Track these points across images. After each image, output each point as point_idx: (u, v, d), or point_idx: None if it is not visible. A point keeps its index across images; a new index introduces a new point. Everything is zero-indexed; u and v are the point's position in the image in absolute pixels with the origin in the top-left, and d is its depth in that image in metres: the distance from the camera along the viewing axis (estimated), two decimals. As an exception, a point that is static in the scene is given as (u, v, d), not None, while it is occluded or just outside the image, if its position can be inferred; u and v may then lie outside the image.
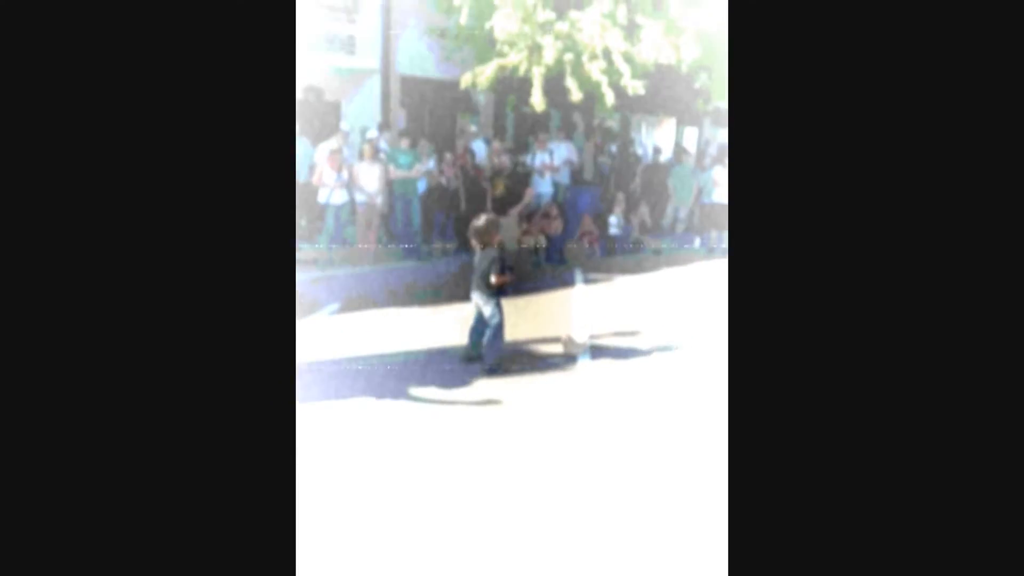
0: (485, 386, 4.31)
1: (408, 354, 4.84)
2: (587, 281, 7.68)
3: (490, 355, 4.55)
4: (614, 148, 11.68)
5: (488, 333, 4.56)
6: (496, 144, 9.56)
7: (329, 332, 5.31)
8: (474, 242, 4.53)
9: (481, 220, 4.58)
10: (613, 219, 9.50)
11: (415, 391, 4.16)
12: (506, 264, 4.51)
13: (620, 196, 9.65)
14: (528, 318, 5.90)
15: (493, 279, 4.44)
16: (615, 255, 9.30)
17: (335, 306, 6.09)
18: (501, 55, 9.35)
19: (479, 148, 9.99)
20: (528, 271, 7.94)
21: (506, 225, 7.73)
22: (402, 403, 3.97)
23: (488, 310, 4.55)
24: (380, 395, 4.06)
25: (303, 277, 7.11)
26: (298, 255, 7.94)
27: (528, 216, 8.37)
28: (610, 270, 8.31)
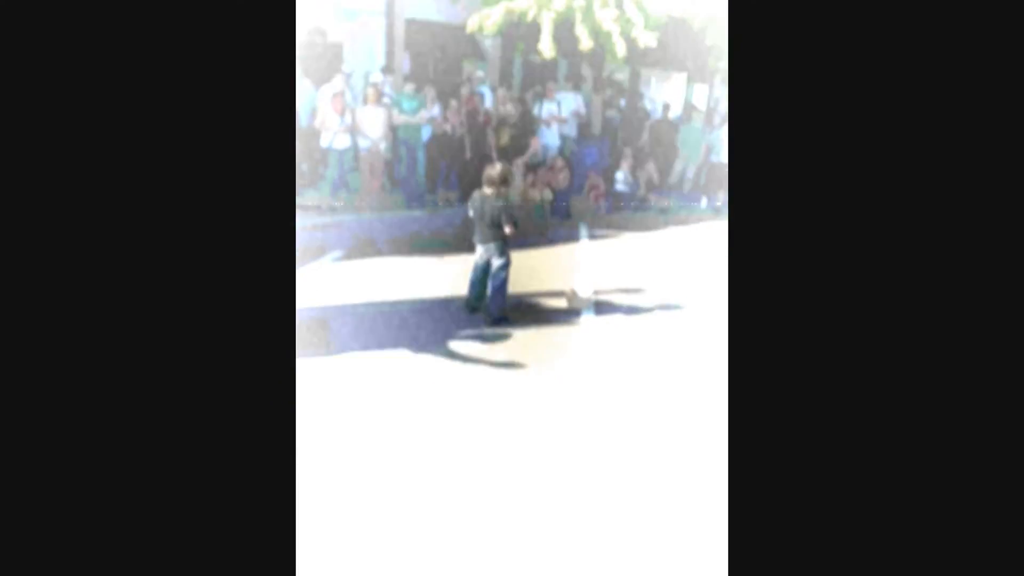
0: (489, 337, 4.27)
1: (411, 303, 4.80)
2: (592, 237, 7.59)
3: (495, 306, 4.50)
4: (623, 102, 11.43)
5: (493, 284, 4.50)
6: (502, 92, 9.33)
7: (331, 279, 5.25)
8: (488, 190, 4.42)
9: (497, 168, 4.46)
10: (620, 175, 9.35)
11: (418, 340, 4.13)
12: (514, 215, 4.42)
13: (627, 152, 9.47)
14: (532, 272, 5.84)
15: (508, 229, 4.36)
16: (621, 211, 9.19)
17: (338, 253, 6.01)
18: (510, -1, 9.05)
19: (484, 94, 9.76)
20: (533, 224, 7.85)
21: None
22: (404, 353, 3.94)
23: (497, 260, 4.47)
24: (381, 345, 4.03)
25: (305, 223, 7.00)
26: (300, 200, 7.82)
27: (534, 168, 8.23)
28: (616, 226, 8.22)
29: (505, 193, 4.43)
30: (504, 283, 4.49)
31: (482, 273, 4.60)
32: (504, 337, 4.30)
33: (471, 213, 4.53)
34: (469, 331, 4.36)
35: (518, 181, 7.74)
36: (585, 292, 5.09)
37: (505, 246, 4.48)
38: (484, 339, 4.25)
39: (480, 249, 4.54)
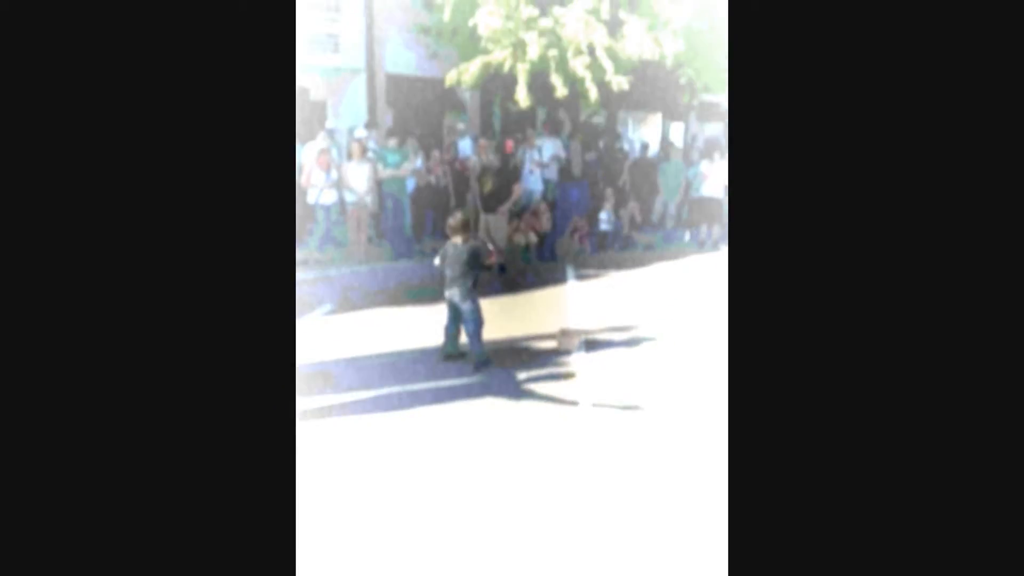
0: (477, 383, 4.32)
1: (403, 353, 4.84)
2: (579, 277, 7.71)
3: (475, 349, 4.57)
4: (602, 144, 11.71)
5: (468, 329, 4.58)
6: (483, 141, 9.56)
7: (324, 332, 5.30)
8: (456, 238, 4.55)
9: (457, 216, 4.65)
10: (603, 215, 9.54)
11: (411, 389, 4.17)
12: (488, 250, 4.57)
13: (609, 192, 9.68)
14: (521, 315, 5.92)
15: (492, 258, 4.49)
16: (606, 251, 9.34)
17: (329, 306, 6.07)
18: (485, 52, 9.36)
19: (465, 145, 9.98)
20: (519, 268, 7.96)
21: (495, 222, 7.78)
22: (398, 401, 3.97)
23: (467, 305, 4.55)
24: (376, 395, 4.06)
25: (295, 278, 7.07)
26: (288, 256, 7.91)
27: (518, 213, 8.39)
28: (602, 266, 8.35)
29: (468, 238, 4.58)
30: (479, 326, 4.57)
31: (453, 321, 4.65)
32: (493, 380, 4.35)
33: (437, 262, 4.62)
34: (458, 378, 4.41)
35: (502, 227, 7.88)
36: (575, 333, 5.16)
37: (473, 291, 4.58)
38: (472, 385, 4.30)
39: (448, 296, 4.59)
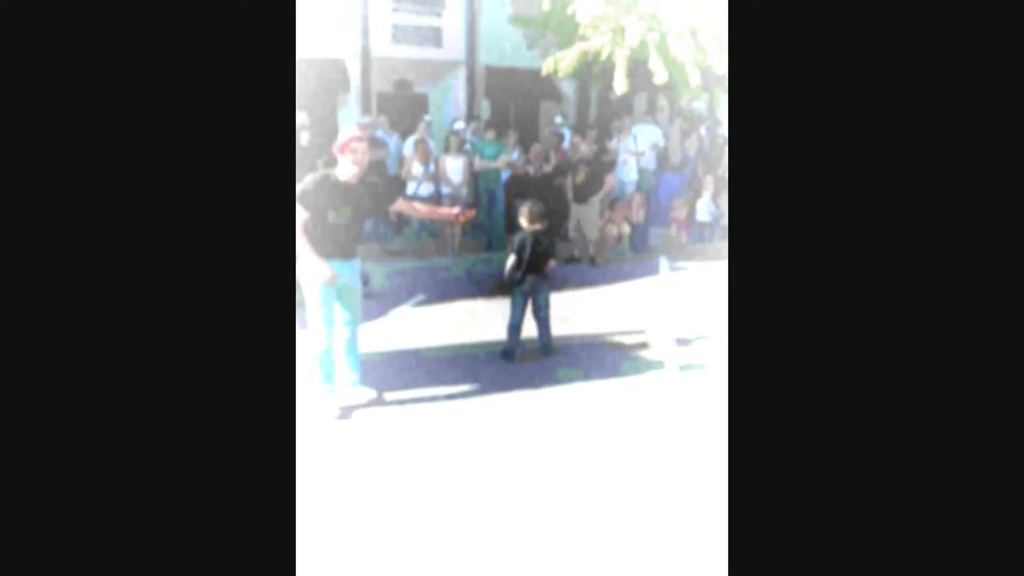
0: (561, 378, 4.32)
1: (487, 345, 4.91)
2: (675, 269, 7.50)
3: (546, 338, 4.66)
4: (702, 130, 11.29)
5: (543, 314, 4.65)
6: (577, 132, 9.48)
7: (413, 323, 5.48)
8: (537, 225, 4.57)
9: (529, 205, 4.67)
10: (702, 204, 9.22)
11: (496, 381, 4.24)
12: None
13: (709, 180, 9.33)
14: (612, 309, 5.86)
15: (552, 264, 4.63)
16: (705, 241, 9.02)
17: (420, 296, 6.27)
18: (584, 39, 9.24)
19: (564, 135, 9.94)
20: (608, 260, 7.86)
21: (587, 213, 7.71)
22: (480, 396, 4.05)
23: (543, 295, 4.63)
24: (456, 386, 4.16)
25: (390, 268, 7.36)
26: (387, 247, 8.24)
27: (611, 204, 8.28)
28: (698, 256, 8.08)
29: (540, 228, 4.60)
30: (549, 316, 4.67)
31: (521, 315, 4.63)
32: (577, 379, 4.33)
33: (517, 256, 4.55)
34: (545, 372, 4.43)
35: (594, 219, 7.80)
36: (664, 327, 5.04)
37: (546, 281, 4.64)
38: (554, 379, 4.30)
39: (529, 281, 4.58)
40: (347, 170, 3.60)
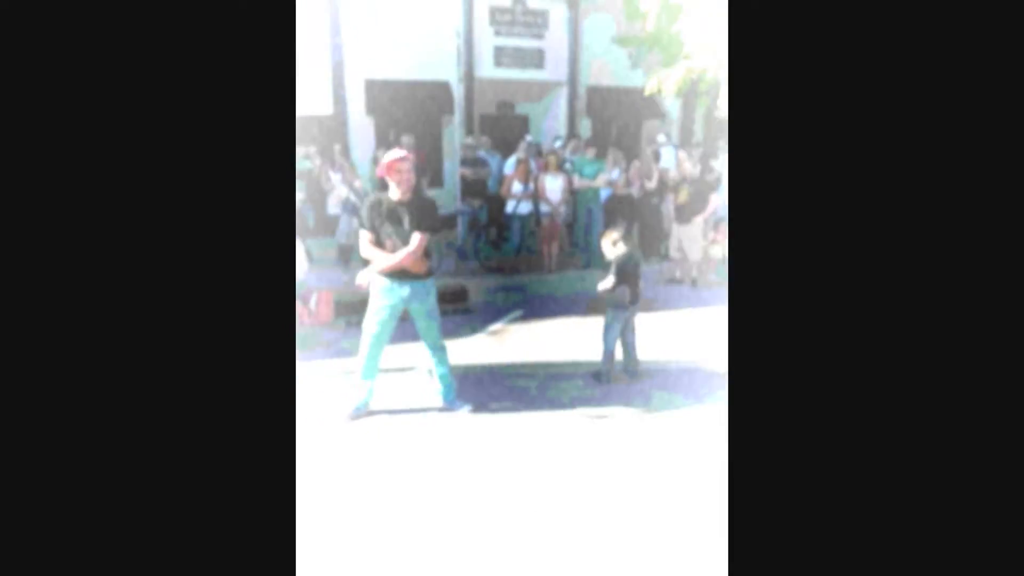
0: (654, 405, 4.20)
1: (581, 364, 4.86)
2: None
3: (635, 357, 4.61)
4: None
5: (632, 339, 4.59)
6: (682, 152, 9.29)
7: (509, 339, 5.51)
8: (622, 247, 4.48)
9: (615, 229, 4.59)
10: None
11: (592, 401, 4.18)
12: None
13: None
14: (711, 332, 5.65)
15: (609, 282, 4.48)
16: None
17: (517, 313, 6.31)
18: (688, 58, 9.07)
19: (668, 154, 9.77)
20: (710, 282, 7.61)
21: (689, 233, 7.51)
22: (571, 415, 4.00)
23: (631, 318, 4.59)
24: (551, 405, 4.14)
25: (489, 284, 7.46)
26: (485, 263, 8.37)
27: (715, 224, 8.03)
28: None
29: (628, 250, 4.48)
30: (635, 340, 4.62)
31: (616, 338, 4.55)
32: (676, 404, 4.20)
33: (609, 280, 4.42)
34: (627, 395, 4.32)
35: (697, 239, 7.59)
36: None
37: (636, 303, 4.58)
38: (647, 402, 4.19)
39: (625, 312, 4.51)
40: (396, 191, 3.72)
